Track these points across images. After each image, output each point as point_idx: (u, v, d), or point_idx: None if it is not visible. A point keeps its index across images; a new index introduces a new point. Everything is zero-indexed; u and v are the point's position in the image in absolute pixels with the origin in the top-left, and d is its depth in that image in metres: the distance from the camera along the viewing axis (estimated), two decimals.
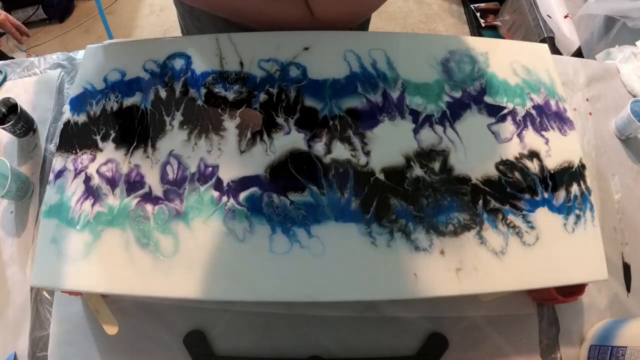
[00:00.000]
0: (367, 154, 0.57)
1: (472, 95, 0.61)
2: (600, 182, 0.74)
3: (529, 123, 0.60)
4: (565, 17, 1.43)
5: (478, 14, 1.90)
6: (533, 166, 0.58)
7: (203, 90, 0.60)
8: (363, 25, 0.81)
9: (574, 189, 0.57)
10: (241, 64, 0.62)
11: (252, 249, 0.51)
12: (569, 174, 0.58)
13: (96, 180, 0.55)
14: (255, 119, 0.58)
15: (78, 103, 0.61)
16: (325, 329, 0.63)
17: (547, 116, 0.61)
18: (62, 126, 0.60)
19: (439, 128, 0.59)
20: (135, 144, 0.57)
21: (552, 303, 0.64)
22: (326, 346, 0.62)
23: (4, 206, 0.72)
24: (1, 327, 0.64)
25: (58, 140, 0.59)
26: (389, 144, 0.57)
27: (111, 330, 0.58)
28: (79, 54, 0.85)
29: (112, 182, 0.55)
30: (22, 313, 0.64)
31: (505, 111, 0.61)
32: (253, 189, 0.54)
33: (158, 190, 0.54)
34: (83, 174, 0.56)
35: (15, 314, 0.64)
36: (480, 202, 0.55)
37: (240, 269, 0.51)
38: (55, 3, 1.92)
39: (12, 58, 0.85)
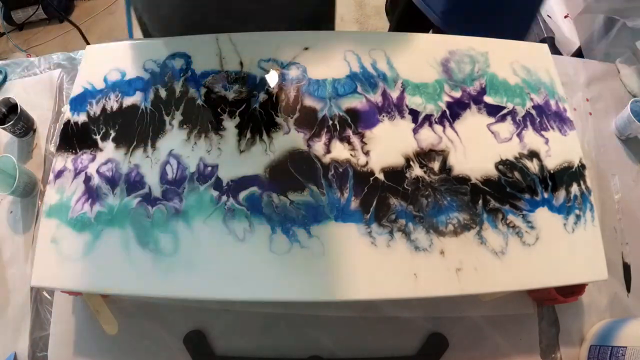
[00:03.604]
0: (367, 153, 0.57)
1: (471, 95, 0.61)
2: (600, 182, 0.74)
3: (528, 123, 0.60)
4: (565, 17, 1.43)
5: None
6: (533, 166, 0.58)
7: (203, 90, 0.60)
8: (325, 19, 0.79)
9: (574, 189, 0.57)
10: (241, 63, 0.62)
11: (252, 249, 0.51)
12: (569, 174, 0.58)
13: (96, 180, 0.55)
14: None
15: (78, 103, 0.61)
16: (325, 329, 0.63)
17: (547, 116, 0.61)
18: (62, 126, 0.60)
19: (438, 128, 0.59)
20: (135, 143, 0.57)
21: (552, 303, 0.64)
22: (326, 346, 0.62)
23: (4, 206, 0.72)
24: (1, 327, 0.64)
25: (58, 140, 0.59)
26: (389, 144, 0.57)
27: (111, 330, 0.58)
28: (79, 54, 0.85)
29: (112, 182, 0.55)
30: (22, 313, 0.64)
31: (505, 111, 0.61)
32: (252, 189, 0.54)
33: (158, 190, 0.54)
34: (83, 173, 0.56)
35: (15, 314, 0.64)
36: (480, 202, 0.55)
37: (240, 269, 0.51)
38: (55, 3, 1.92)
39: None
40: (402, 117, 0.59)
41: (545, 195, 0.56)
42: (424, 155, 0.57)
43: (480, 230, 0.53)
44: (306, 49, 0.63)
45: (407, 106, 0.60)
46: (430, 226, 0.53)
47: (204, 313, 0.63)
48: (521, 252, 0.53)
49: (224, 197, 0.54)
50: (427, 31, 0.98)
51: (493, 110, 0.61)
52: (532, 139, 0.59)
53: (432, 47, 0.65)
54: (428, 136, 0.58)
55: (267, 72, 0.61)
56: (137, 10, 0.75)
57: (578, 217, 0.56)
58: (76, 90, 0.62)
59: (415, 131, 0.58)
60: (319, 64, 0.62)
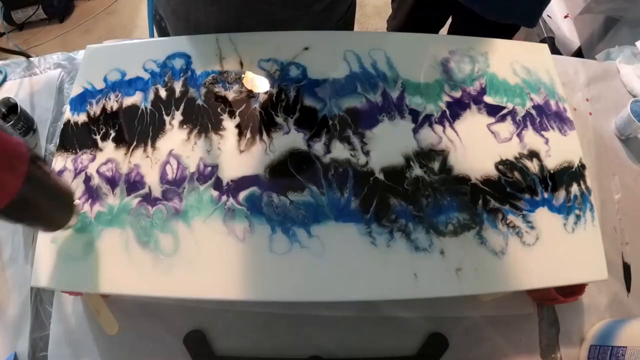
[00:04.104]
0: (367, 153, 0.57)
1: (471, 95, 0.61)
2: (600, 182, 0.74)
3: (528, 123, 0.60)
4: (565, 17, 1.43)
5: None
6: (533, 166, 0.58)
7: (203, 90, 0.60)
8: (348, 22, 0.80)
9: (574, 189, 0.57)
10: (241, 63, 0.62)
11: (252, 249, 0.51)
12: (569, 174, 0.58)
13: (96, 180, 0.55)
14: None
15: (78, 103, 0.61)
16: (325, 329, 0.63)
17: (547, 116, 0.61)
18: (62, 126, 0.60)
19: (438, 128, 0.59)
20: (135, 143, 0.57)
21: (552, 303, 0.64)
22: (326, 346, 0.62)
23: None
24: (1, 327, 0.64)
25: (58, 140, 0.59)
26: (389, 144, 0.57)
27: (111, 330, 0.58)
28: (79, 54, 0.85)
29: (112, 182, 0.55)
30: (22, 313, 0.64)
31: (505, 111, 0.61)
32: (252, 189, 0.54)
33: (158, 190, 0.54)
34: (83, 173, 0.56)
35: (15, 314, 0.64)
36: (480, 202, 0.55)
37: (240, 269, 0.51)
38: (55, 3, 1.92)
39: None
40: (402, 117, 0.59)
41: (545, 195, 0.56)
42: (424, 155, 0.57)
43: (480, 230, 0.53)
44: (306, 49, 0.63)
45: (407, 106, 0.60)
46: (430, 226, 0.53)
47: (204, 313, 0.63)
48: (521, 252, 0.53)
49: (224, 197, 0.54)
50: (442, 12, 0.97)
51: (493, 110, 0.61)
52: (532, 139, 0.59)
53: (432, 47, 0.65)
54: (428, 136, 0.58)
55: (267, 71, 0.61)
56: (156, 15, 0.75)
57: (578, 217, 0.56)
58: (76, 90, 0.62)
59: (415, 131, 0.58)
60: (319, 64, 0.62)
